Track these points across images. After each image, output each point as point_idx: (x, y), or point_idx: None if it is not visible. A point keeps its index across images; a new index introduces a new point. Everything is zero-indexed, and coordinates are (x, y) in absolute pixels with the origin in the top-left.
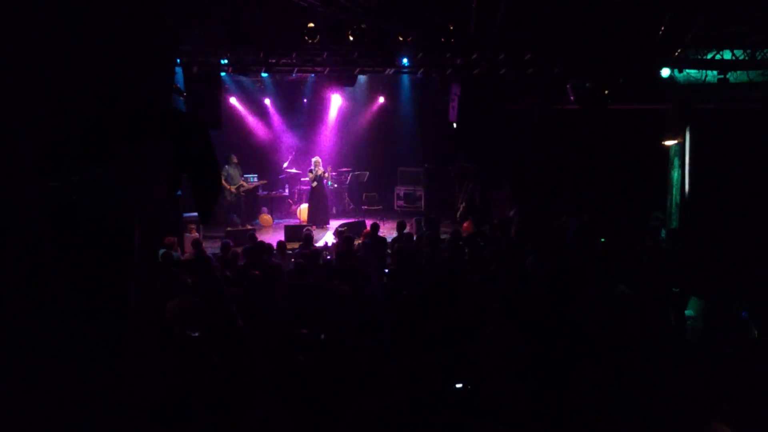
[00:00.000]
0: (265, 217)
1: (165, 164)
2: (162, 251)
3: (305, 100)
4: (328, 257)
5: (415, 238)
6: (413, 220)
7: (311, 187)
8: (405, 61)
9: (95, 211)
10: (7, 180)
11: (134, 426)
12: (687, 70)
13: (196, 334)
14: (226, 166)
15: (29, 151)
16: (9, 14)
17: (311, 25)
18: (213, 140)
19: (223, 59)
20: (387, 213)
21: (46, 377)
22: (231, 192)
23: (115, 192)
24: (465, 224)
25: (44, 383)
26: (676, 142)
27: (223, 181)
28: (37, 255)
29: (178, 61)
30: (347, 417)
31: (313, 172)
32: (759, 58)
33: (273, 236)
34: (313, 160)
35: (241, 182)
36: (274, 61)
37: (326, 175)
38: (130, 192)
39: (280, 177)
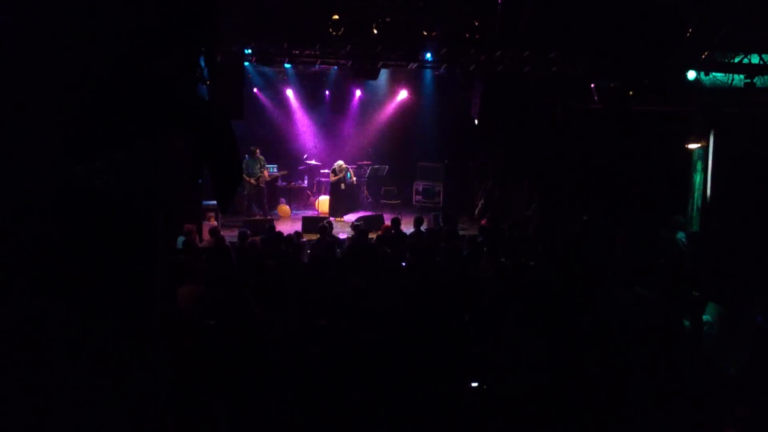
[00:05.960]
0: (284, 208)
1: (187, 152)
2: (182, 239)
3: (327, 92)
4: (344, 249)
5: (433, 233)
6: (431, 215)
7: (333, 182)
8: (428, 55)
9: (118, 197)
10: (30, 165)
11: (148, 415)
12: (713, 74)
13: (212, 323)
14: (246, 157)
15: (52, 137)
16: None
17: (336, 17)
18: (235, 130)
19: (247, 49)
20: (405, 208)
21: (64, 362)
22: (251, 184)
23: (138, 178)
24: (483, 221)
25: (61, 368)
26: (699, 145)
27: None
28: (59, 241)
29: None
30: (360, 411)
31: (336, 174)
32: None
33: (291, 227)
34: (336, 164)
35: (262, 173)
36: (297, 52)
37: (351, 174)
38: (153, 179)
39: (300, 168)
